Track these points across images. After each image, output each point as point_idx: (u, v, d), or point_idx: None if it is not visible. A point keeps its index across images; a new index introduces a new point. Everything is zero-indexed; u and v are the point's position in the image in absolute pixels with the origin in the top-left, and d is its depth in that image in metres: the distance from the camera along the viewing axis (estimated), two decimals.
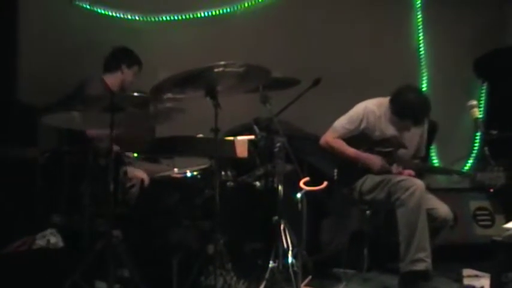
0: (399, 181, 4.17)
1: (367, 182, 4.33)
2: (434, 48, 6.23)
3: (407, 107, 4.32)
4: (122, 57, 4.62)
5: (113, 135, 3.35)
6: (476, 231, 5.48)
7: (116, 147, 4.08)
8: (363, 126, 4.39)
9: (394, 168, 4.35)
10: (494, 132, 4.07)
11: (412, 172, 4.34)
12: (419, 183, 4.12)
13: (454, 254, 4.83)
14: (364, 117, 4.39)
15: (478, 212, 5.56)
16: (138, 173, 3.97)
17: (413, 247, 4.03)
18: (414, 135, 4.51)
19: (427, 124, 4.57)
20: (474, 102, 4.16)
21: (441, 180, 5.90)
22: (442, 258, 4.29)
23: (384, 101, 4.45)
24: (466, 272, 4.36)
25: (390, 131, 4.42)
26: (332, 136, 4.42)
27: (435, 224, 4.14)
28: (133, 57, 4.66)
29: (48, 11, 5.12)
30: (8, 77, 4.87)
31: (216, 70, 3.15)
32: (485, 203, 5.59)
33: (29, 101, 4.86)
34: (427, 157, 5.56)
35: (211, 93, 3.26)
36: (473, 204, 5.58)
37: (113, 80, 4.56)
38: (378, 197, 4.27)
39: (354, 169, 4.39)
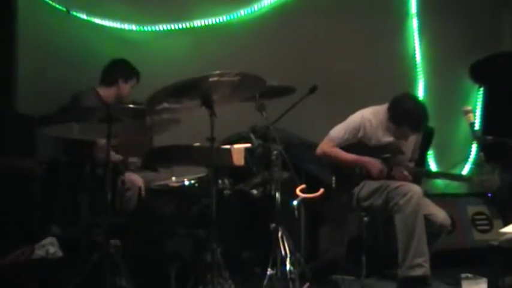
0: (396, 187, 4.19)
1: (365, 188, 4.34)
2: (430, 54, 6.25)
3: (406, 114, 4.34)
4: (119, 71, 4.61)
5: (110, 146, 3.39)
6: (474, 236, 5.50)
7: (118, 157, 4.12)
8: (360, 135, 4.41)
9: (395, 170, 4.35)
10: (490, 137, 4.08)
11: (407, 174, 4.34)
12: (416, 189, 4.14)
13: (452, 259, 4.84)
14: (361, 127, 4.41)
15: (476, 217, 5.58)
16: (135, 179, 3.97)
17: (411, 253, 4.05)
18: (410, 141, 4.53)
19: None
20: (469, 108, 4.18)
21: (439, 186, 5.92)
22: (440, 263, 4.30)
23: (381, 109, 4.47)
24: (465, 277, 4.36)
25: (387, 139, 4.44)
26: (328, 145, 4.43)
27: (433, 229, 4.16)
28: (131, 70, 4.64)
29: (45, 22, 5.14)
30: (6, 88, 4.88)
31: (211, 79, 3.16)
32: (483, 208, 5.62)
33: (26, 112, 4.87)
34: (423, 162, 5.60)
35: (207, 103, 3.27)
36: (471, 209, 5.60)
37: (108, 92, 4.56)
38: (376, 203, 4.28)
39: (351, 175, 4.41)
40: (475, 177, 4.25)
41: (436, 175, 5.43)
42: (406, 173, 4.33)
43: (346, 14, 5.88)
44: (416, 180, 4.49)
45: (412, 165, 4.55)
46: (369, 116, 4.44)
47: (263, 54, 5.48)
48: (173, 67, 5.14)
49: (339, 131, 4.44)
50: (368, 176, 4.35)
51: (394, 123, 4.38)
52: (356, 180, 4.40)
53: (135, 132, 3.81)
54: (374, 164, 4.33)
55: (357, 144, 4.41)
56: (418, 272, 4.03)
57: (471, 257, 4.91)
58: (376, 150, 4.41)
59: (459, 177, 5.10)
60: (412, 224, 4.06)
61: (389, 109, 4.40)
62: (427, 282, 4.07)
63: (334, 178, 4.45)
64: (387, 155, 4.40)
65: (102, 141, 4.06)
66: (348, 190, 4.42)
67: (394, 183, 4.24)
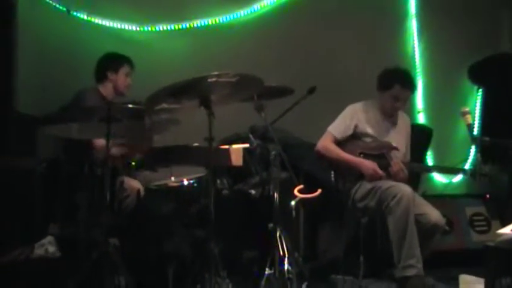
0: (387, 188, 4.21)
1: (360, 189, 4.37)
2: (429, 55, 6.27)
3: (395, 72, 4.52)
4: (105, 64, 4.58)
5: (109, 145, 3.41)
6: (472, 237, 5.50)
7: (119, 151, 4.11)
8: (354, 122, 4.50)
9: (393, 164, 4.38)
10: (487, 138, 4.11)
11: (403, 166, 4.37)
12: (406, 190, 4.15)
13: (450, 260, 4.87)
14: (354, 114, 4.53)
15: (474, 218, 5.58)
16: (134, 184, 3.99)
17: (403, 253, 4.07)
18: (401, 139, 4.58)
19: (410, 128, 4.70)
20: (466, 109, 4.21)
21: (437, 187, 5.94)
22: (438, 264, 4.31)
23: (369, 101, 4.61)
24: (463, 277, 4.38)
25: (381, 124, 4.54)
26: (328, 140, 4.49)
27: (427, 229, 4.17)
28: (117, 59, 4.61)
29: (46, 22, 5.16)
30: (7, 88, 4.90)
31: (209, 80, 3.18)
32: (481, 209, 5.62)
33: (27, 112, 4.89)
34: (422, 163, 5.62)
35: (206, 103, 3.29)
36: (470, 210, 5.61)
37: (105, 89, 4.56)
38: (370, 204, 4.30)
39: (349, 172, 4.45)
40: (468, 170, 4.32)
41: (433, 169, 5.44)
42: (402, 165, 4.36)
43: (345, 15, 5.90)
44: (413, 176, 4.53)
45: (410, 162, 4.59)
46: (359, 105, 4.60)
47: (262, 54, 5.51)
48: (173, 67, 5.17)
49: (335, 124, 4.54)
50: (361, 176, 4.39)
51: (384, 89, 4.48)
52: (354, 177, 4.42)
53: (134, 132, 3.83)
54: (367, 165, 4.36)
55: (353, 140, 4.50)
56: (411, 272, 4.05)
57: (469, 257, 4.92)
58: (371, 148, 4.45)
59: (453, 170, 5.08)
60: (403, 226, 4.07)
61: (379, 78, 4.54)
62: (421, 281, 4.08)
63: (332, 173, 4.49)
64: (382, 152, 4.44)
65: (98, 141, 4.09)
66: (345, 186, 4.44)
67: (386, 184, 4.26)
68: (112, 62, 4.60)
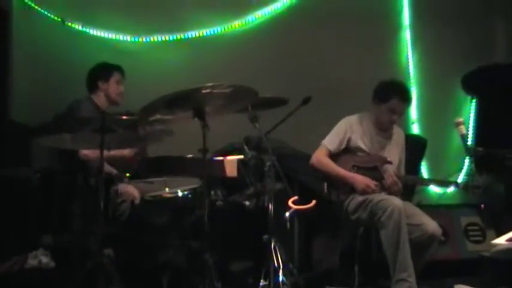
0: (378, 201, 4.19)
1: (352, 202, 4.36)
2: (423, 65, 6.30)
3: (392, 86, 4.51)
4: (95, 75, 4.60)
5: (103, 156, 3.41)
6: (467, 247, 5.50)
7: (113, 171, 4.12)
8: (348, 135, 4.49)
9: (387, 177, 4.38)
10: (480, 149, 4.12)
11: (397, 180, 4.37)
12: (396, 204, 4.11)
13: (445, 270, 4.86)
14: (348, 126, 4.52)
15: (469, 228, 5.59)
16: (130, 189, 3.98)
17: (397, 267, 4.05)
18: (395, 152, 4.58)
19: (404, 142, 4.69)
20: (460, 119, 4.22)
21: (432, 197, 5.93)
22: (433, 274, 4.30)
23: (364, 114, 4.60)
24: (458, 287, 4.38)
25: (375, 138, 4.53)
26: (322, 154, 4.48)
27: (424, 239, 4.15)
28: (106, 68, 4.63)
29: (41, 32, 5.18)
30: (1, 98, 4.90)
31: (203, 91, 3.18)
32: (476, 219, 5.62)
33: (21, 121, 4.89)
34: (417, 173, 5.62)
35: (200, 114, 3.29)
36: (464, 220, 5.61)
37: (98, 99, 4.58)
38: (362, 216, 4.29)
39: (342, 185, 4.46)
40: (460, 183, 4.34)
41: (423, 181, 5.45)
42: (395, 178, 4.36)
43: (340, 26, 5.92)
44: (407, 187, 4.52)
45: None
46: (354, 118, 4.59)
47: (257, 65, 5.52)
48: (167, 78, 5.18)
49: (329, 138, 4.52)
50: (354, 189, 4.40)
51: (381, 101, 4.46)
52: (347, 190, 4.42)
53: (127, 143, 3.82)
54: (359, 180, 4.36)
55: (346, 154, 4.48)
56: (403, 286, 4.02)
57: (464, 267, 4.93)
58: (364, 161, 4.46)
59: (446, 183, 5.08)
60: (396, 240, 4.04)
61: (375, 91, 4.53)
62: None
63: (325, 184, 4.49)
64: (376, 165, 4.44)
65: (84, 152, 4.10)
66: (339, 198, 4.44)
67: (377, 197, 4.24)
68: (102, 71, 4.62)
